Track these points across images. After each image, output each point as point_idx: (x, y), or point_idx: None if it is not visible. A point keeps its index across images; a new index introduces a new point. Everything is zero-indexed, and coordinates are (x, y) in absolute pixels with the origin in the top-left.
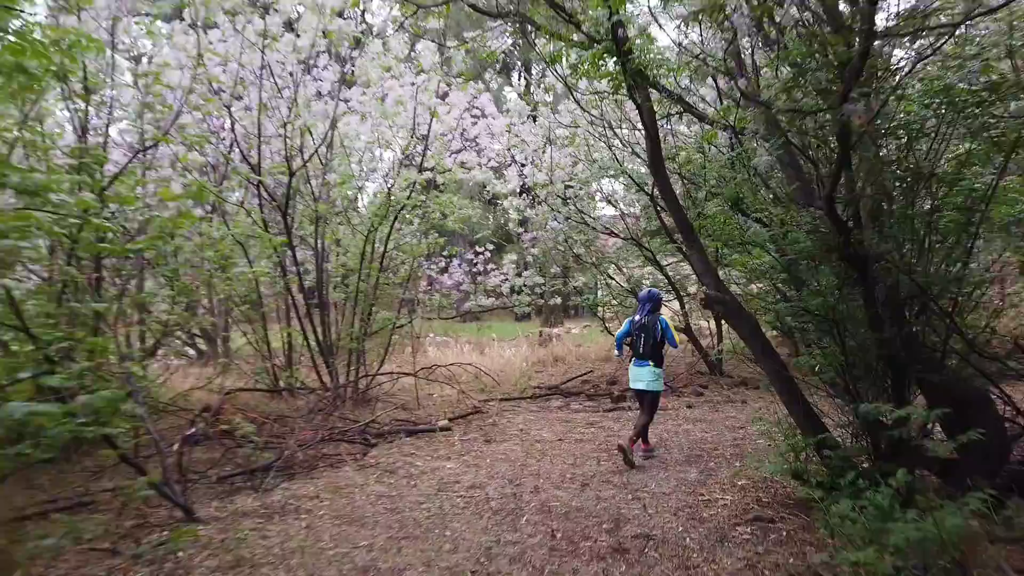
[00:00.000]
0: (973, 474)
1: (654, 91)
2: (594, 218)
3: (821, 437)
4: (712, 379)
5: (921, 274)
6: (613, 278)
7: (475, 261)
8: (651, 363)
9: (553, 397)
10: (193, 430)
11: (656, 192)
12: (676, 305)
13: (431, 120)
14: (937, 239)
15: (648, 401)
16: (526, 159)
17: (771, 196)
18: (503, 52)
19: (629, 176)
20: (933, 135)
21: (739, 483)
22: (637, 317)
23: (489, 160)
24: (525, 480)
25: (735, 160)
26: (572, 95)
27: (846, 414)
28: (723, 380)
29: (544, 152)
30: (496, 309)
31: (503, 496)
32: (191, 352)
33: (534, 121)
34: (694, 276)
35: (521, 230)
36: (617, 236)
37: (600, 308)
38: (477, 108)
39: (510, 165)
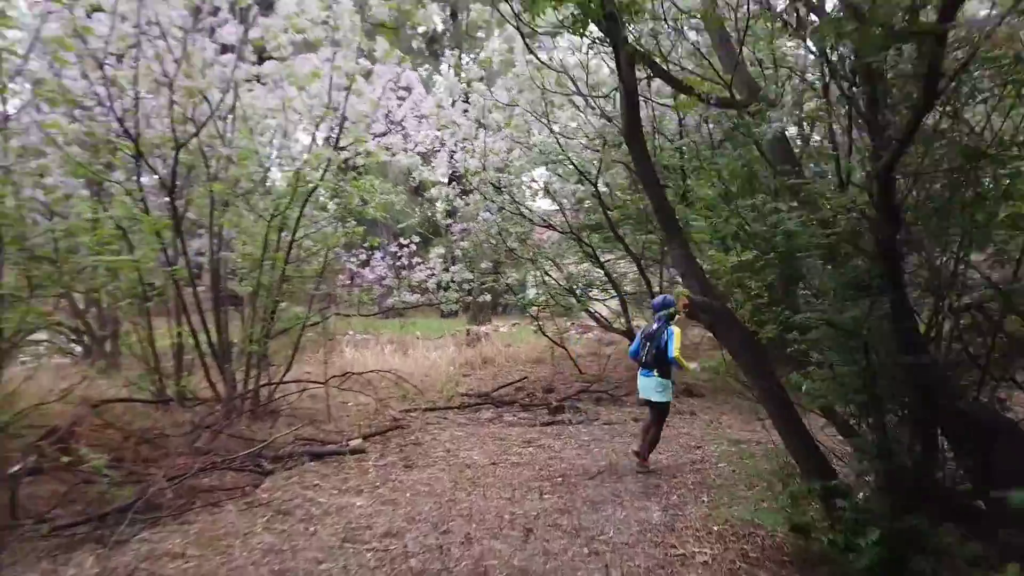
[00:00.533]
0: (1005, 525)
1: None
2: (530, 210)
3: (832, 484)
4: None
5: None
6: (549, 274)
7: (399, 254)
8: (655, 373)
9: (483, 407)
10: (19, 466)
11: (601, 185)
12: (615, 303)
13: (348, 88)
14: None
15: (653, 412)
16: (456, 144)
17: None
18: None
19: (571, 163)
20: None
21: (715, 528)
22: (654, 326)
23: (416, 145)
24: (454, 524)
25: (684, 147)
26: (523, 39)
27: (866, 447)
28: None
29: (476, 137)
30: (421, 306)
31: (426, 550)
32: (77, 350)
33: (466, 100)
34: (631, 274)
35: (450, 221)
36: (555, 229)
37: (535, 308)
38: (404, 89)
39: (438, 151)
